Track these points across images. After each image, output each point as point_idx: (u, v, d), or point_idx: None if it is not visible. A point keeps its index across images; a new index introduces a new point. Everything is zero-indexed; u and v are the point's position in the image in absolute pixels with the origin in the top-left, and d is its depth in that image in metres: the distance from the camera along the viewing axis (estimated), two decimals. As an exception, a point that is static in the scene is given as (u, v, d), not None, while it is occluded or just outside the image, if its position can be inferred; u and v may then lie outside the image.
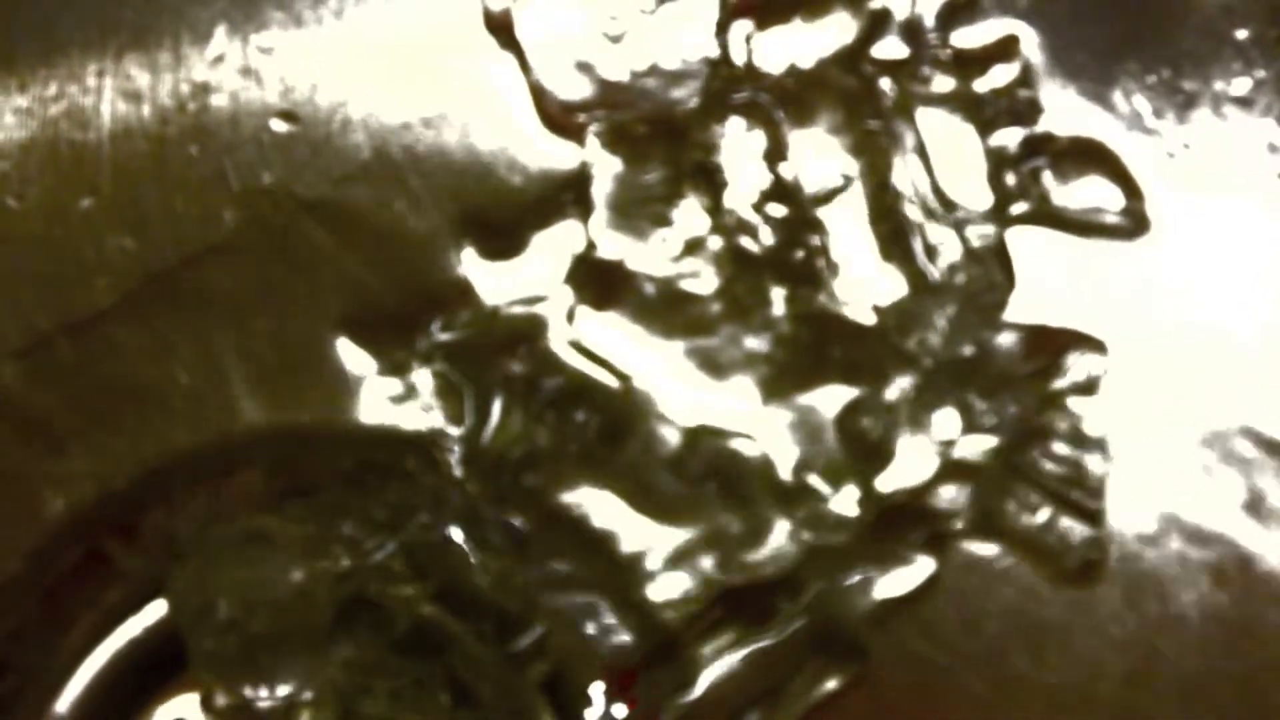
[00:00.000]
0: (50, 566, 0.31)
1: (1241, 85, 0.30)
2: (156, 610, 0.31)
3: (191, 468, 0.31)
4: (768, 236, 0.30)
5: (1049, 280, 0.30)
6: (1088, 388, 0.30)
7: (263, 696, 0.29)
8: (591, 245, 0.30)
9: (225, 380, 0.31)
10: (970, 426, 0.30)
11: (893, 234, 0.30)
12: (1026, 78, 0.30)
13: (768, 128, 0.30)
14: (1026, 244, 0.30)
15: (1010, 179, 0.30)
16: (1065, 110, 0.30)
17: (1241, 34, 0.30)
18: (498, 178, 0.31)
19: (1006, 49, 0.30)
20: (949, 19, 0.30)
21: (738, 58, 0.30)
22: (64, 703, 0.31)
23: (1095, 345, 0.30)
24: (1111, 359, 0.30)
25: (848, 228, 0.30)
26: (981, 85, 0.30)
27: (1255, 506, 0.30)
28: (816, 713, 0.30)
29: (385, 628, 0.30)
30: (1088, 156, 0.30)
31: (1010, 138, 0.30)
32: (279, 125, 0.31)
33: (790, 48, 0.30)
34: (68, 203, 0.31)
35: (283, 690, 0.29)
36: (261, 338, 0.31)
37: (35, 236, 0.31)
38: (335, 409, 0.31)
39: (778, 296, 0.30)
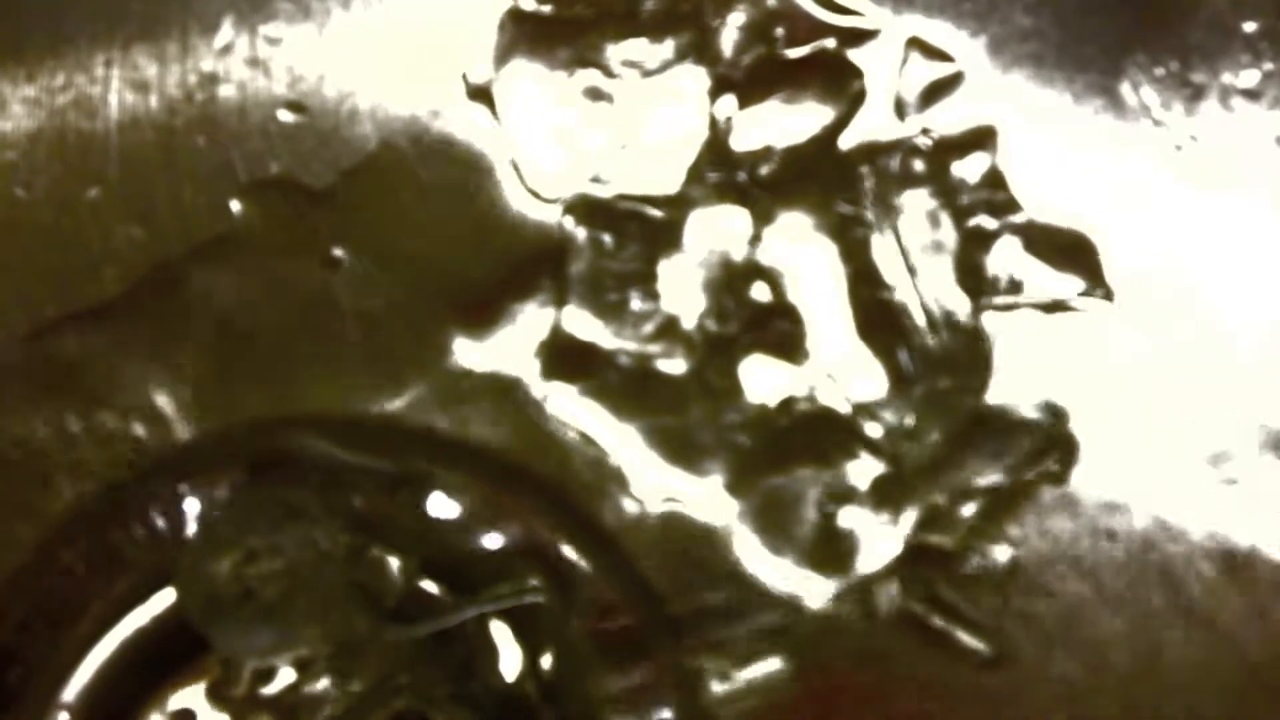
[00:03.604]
0: (57, 557, 0.31)
1: (1250, 78, 0.30)
2: (163, 600, 0.31)
3: (198, 458, 0.31)
4: (742, 319, 0.30)
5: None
6: (1058, 477, 0.30)
7: (283, 665, 0.29)
8: (563, 320, 0.31)
9: (232, 371, 0.31)
10: (934, 521, 0.30)
11: (868, 320, 0.30)
12: (1000, 175, 0.30)
13: (745, 209, 0.31)
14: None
15: (985, 267, 0.30)
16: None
17: (1250, 27, 0.30)
18: (500, 178, 0.31)
19: (983, 138, 0.30)
20: (929, 100, 0.30)
21: (719, 137, 0.31)
22: (71, 692, 0.31)
23: (1064, 443, 0.30)
24: (1115, 353, 0.30)
25: (822, 313, 0.30)
26: (958, 172, 0.30)
27: (1260, 501, 0.30)
28: (826, 700, 0.30)
29: (375, 602, 0.30)
30: (1066, 247, 0.30)
31: (986, 224, 0.30)
32: (286, 116, 0.31)
33: (769, 129, 0.31)
34: (75, 193, 0.31)
35: (305, 654, 0.29)
36: (269, 328, 0.31)
37: (43, 226, 0.31)
38: (342, 400, 0.31)
39: (748, 380, 0.30)
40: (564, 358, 0.31)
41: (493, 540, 0.31)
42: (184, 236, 0.31)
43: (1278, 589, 0.30)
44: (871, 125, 0.31)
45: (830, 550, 0.30)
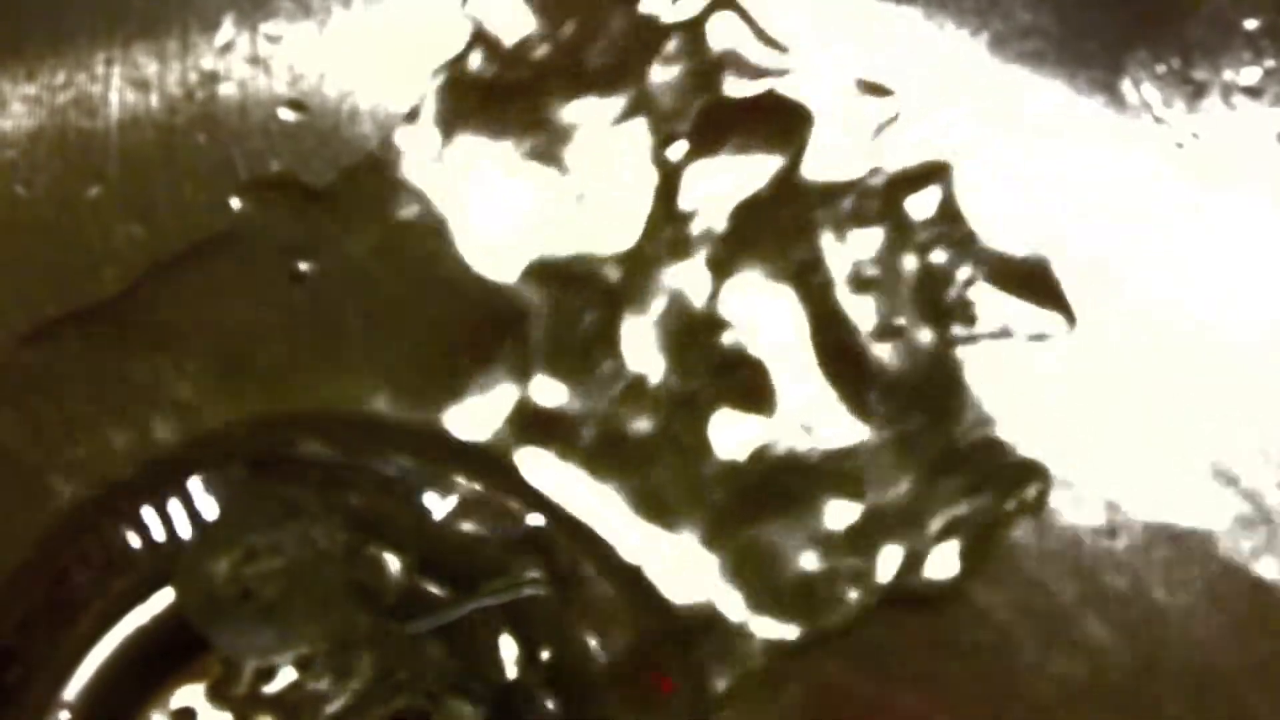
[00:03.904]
0: (58, 555, 0.31)
1: (1251, 75, 0.30)
2: (164, 599, 0.31)
3: (198, 457, 0.31)
4: (707, 373, 0.30)
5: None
6: (1035, 508, 0.30)
7: (283, 664, 0.29)
8: (531, 385, 0.31)
9: (231, 369, 0.31)
10: (914, 563, 0.30)
11: (834, 365, 0.30)
12: (955, 209, 0.30)
13: (703, 262, 0.30)
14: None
15: (949, 300, 0.30)
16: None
17: (1251, 24, 0.30)
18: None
19: (937, 172, 0.30)
20: (879, 136, 0.30)
21: (671, 192, 0.31)
22: (71, 691, 0.31)
23: (1038, 474, 0.30)
24: (1116, 352, 0.30)
25: (787, 361, 0.30)
26: (914, 207, 0.30)
27: (1260, 500, 0.30)
28: (821, 700, 0.30)
29: (374, 599, 0.30)
30: (1024, 278, 0.30)
31: (947, 258, 0.30)
32: (287, 114, 0.31)
33: (721, 179, 0.31)
34: (75, 191, 0.31)
35: (306, 652, 0.29)
36: (268, 327, 0.31)
37: (43, 224, 0.31)
38: (341, 397, 0.31)
39: (718, 434, 0.30)
40: (533, 425, 0.31)
41: (491, 536, 0.31)
42: (184, 235, 0.31)
43: (1275, 589, 0.30)
44: (823, 167, 0.31)
45: (810, 598, 0.30)
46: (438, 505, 0.31)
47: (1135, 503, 0.30)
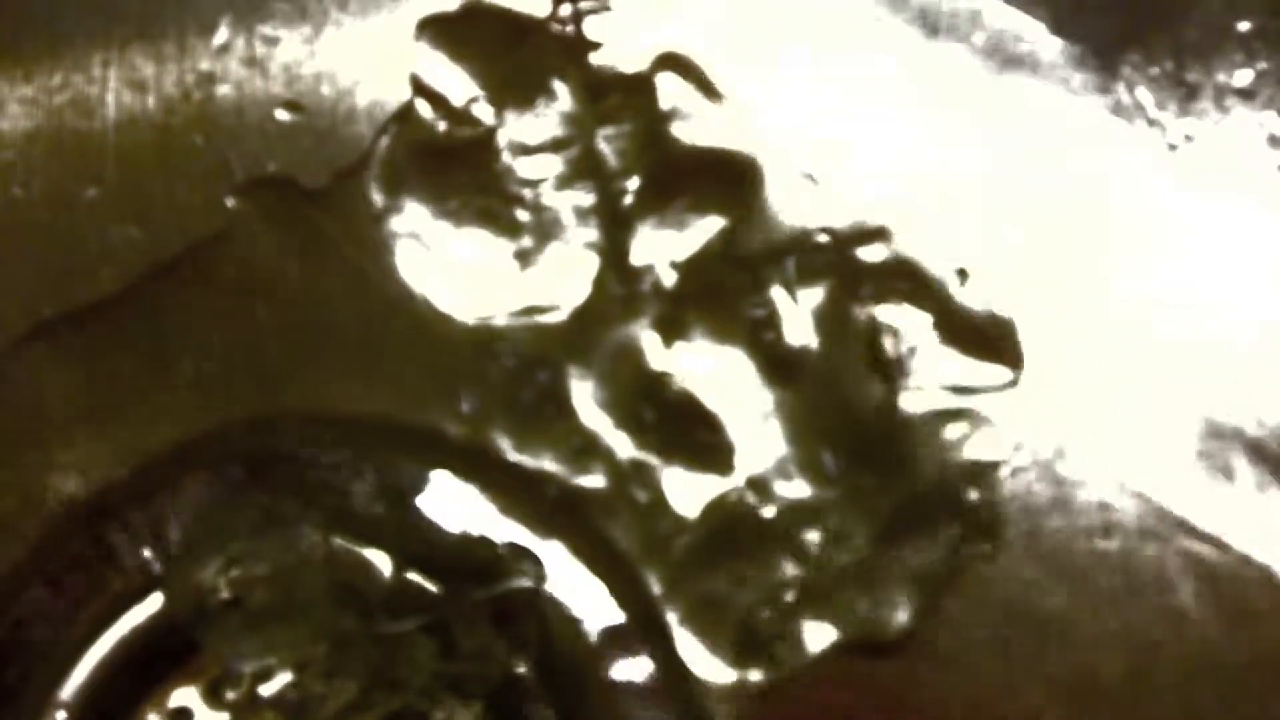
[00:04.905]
0: (54, 555, 0.31)
1: (1244, 77, 0.30)
2: (160, 599, 0.31)
3: (195, 456, 0.31)
4: (661, 431, 0.30)
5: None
6: (989, 558, 0.30)
7: (279, 666, 0.29)
8: (486, 443, 0.31)
9: (229, 369, 0.31)
10: (869, 614, 0.30)
11: (787, 422, 0.30)
12: (908, 263, 0.30)
13: (654, 319, 0.31)
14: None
15: (902, 356, 0.30)
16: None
17: (1244, 26, 0.30)
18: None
19: (879, 233, 0.30)
20: (829, 188, 0.30)
21: (620, 249, 0.31)
22: (68, 690, 0.31)
23: (991, 529, 0.30)
24: (1111, 354, 0.30)
25: (741, 418, 0.30)
26: (864, 260, 0.30)
27: (1253, 501, 0.30)
28: (823, 701, 0.30)
29: (363, 599, 0.30)
30: (971, 334, 0.30)
31: (900, 312, 0.30)
32: (283, 115, 0.31)
33: (671, 235, 0.31)
34: (72, 192, 0.31)
35: (300, 654, 0.29)
36: (266, 327, 0.31)
37: (40, 226, 0.31)
38: (337, 398, 0.31)
39: (672, 490, 0.30)
40: (494, 482, 0.31)
41: (484, 534, 0.31)
42: (181, 236, 0.31)
43: (1268, 590, 0.30)
44: (773, 220, 0.31)
45: (765, 652, 0.30)
46: (436, 504, 0.31)
47: (1128, 506, 0.30)
